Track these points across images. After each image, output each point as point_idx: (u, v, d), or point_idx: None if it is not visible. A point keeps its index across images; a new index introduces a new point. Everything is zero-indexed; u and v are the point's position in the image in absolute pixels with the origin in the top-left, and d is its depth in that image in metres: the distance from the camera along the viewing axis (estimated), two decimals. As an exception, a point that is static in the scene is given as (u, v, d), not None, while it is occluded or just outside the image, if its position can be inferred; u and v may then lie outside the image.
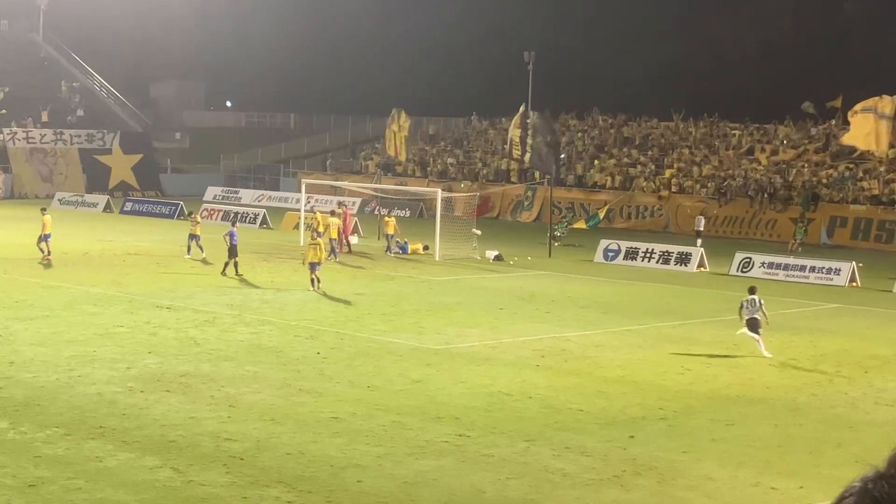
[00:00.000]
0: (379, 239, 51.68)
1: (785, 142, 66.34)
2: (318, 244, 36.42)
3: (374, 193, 63.91)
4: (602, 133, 74.35)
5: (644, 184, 65.44)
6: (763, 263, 44.02)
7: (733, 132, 69.45)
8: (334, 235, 45.13)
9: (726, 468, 17.78)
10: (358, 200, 68.33)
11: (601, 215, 59.49)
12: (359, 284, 38.30)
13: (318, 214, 47.95)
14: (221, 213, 62.22)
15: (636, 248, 47.24)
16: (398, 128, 60.20)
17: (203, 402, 20.86)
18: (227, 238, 39.35)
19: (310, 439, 18.60)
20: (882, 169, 59.51)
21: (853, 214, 56.98)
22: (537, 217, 65.05)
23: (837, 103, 65.09)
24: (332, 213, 47.95)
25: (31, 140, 78.05)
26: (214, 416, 19.92)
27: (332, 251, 44.51)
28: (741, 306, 27.70)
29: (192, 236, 43.24)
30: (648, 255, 46.54)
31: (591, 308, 34.41)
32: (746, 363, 26.43)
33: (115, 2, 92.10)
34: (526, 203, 67.78)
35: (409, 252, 47.42)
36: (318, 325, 29.75)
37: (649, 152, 69.72)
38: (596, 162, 70.03)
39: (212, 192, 75.47)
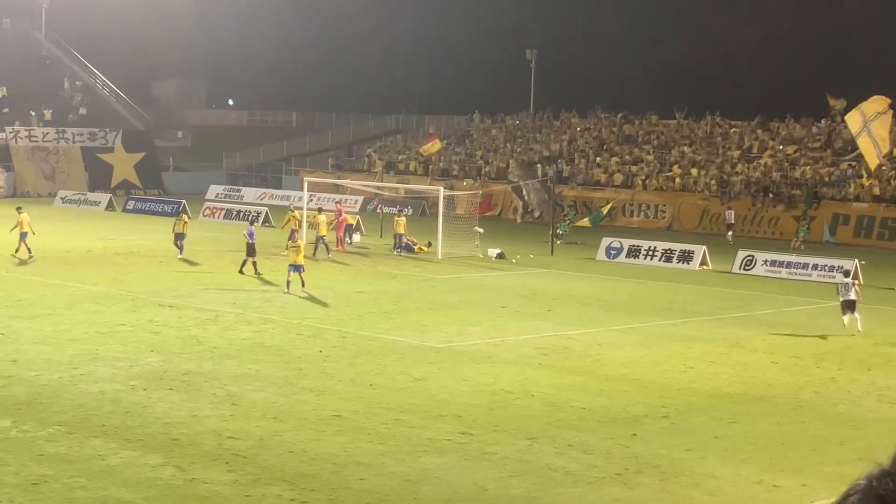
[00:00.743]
0: (381, 237, 51.69)
1: (787, 139, 66.28)
2: (299, 246, 35.26)
3: (377, 192, 63.89)
4: (604, 131, 74.32)
5: (647, 182, 65.38)
6: (766, 261, 43.99)
7: (735, 130, 69.42)
8: (324, 232, 45.08)
9: (728, 466, 17.77)
10: (360, 199, 68.36)
11: (604, 212, 59.44)
12: (361, 282, 38.30)
13: (297, 213, 47.72)
14: (224, 212, 62.21)
15: (638, 246, 47.21)
16: None
17: (205, 401, 20.87)
18: (246, 236, 39.44)
19: (312, 437, 18.60)
20: (884, 167, 59.46)
21: (855, 212, 56.94)
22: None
23: (840, 104, 65.05)
24: (320, 211, 47.92)
25: (33, 138, 78.07)
26: (217, 414, 19.93)
27: (326, 247, 44.45)
28: (836, 290, 30.62)
29: (180, 235, 43.09)
30: (651, 252, 46.52)
31: (593, 306, 34.40)
32: (749, 361, 26.42)
33: (116, 0, 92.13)
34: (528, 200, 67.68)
35: (416, 251, 47.33)
36: (321, 323, 29.75)
37: (651, 150, 69.68)
38: (598, 160, 70.00)
39: (214, 190, 75.49)
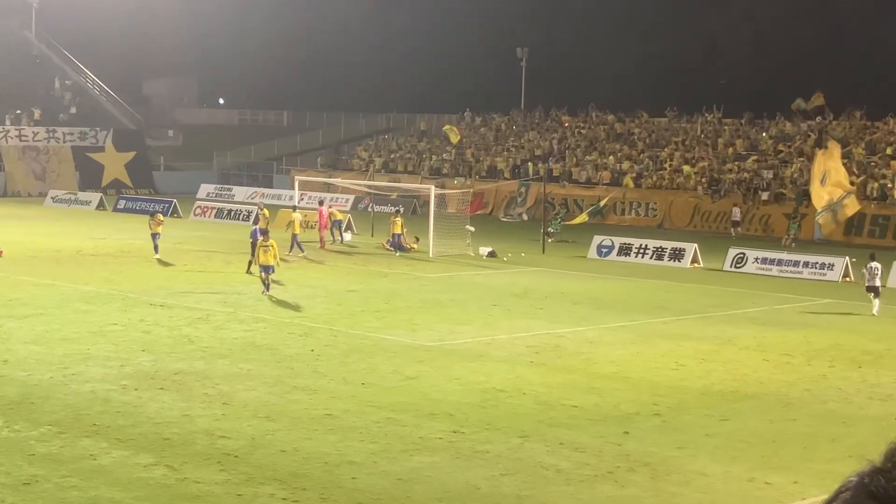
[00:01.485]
0: (373, 236, 51.67)
1: (778, 137, 66.37)
2: (271, 246, 34.14)
3: (368, 190, 63.92)
4: (595, 129, 74.38)
5: (638, 180, 65.47)
6: (757, 259, 44.07)
7: (725, 127, 69.52)
8: (297, 230, 45.06)
9: (720, 463, 17.80)
10: (352, 197, 68.36)
11: (601, 204, 59.43)
12: (352, 281, 38.29)
13: (267, 210, 47.45)
14: (215, 211, 62.17)
15: (630, 244, 47.27)
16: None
17: (197, 400, 20.86)
18: (252, 236, 39.42)
19: (304, 436, 18.60)
20: (872, 164, 59.61)
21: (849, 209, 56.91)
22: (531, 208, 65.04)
23: (816, 101, 65.28)
24: (294, 209, 47.88)
25: (23, 138, 77.95)
26: (208, 413, 19.92)
27: (298, 246, 44.35)
28: (862, 274, 33.49)
29: (155, 235, 42.90)
30: (642, 251, 46.57)
31: (584, 304, 34.43)
32: (740, 358, 26.46)
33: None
34: (519, 199, 67.80)
35: (408, 250, 47.27)
36: (312, 322, 29.75)
37: (642, 148, 69.74)
38: (589, 158, 70.05)
39: (205, 189, 75.44)
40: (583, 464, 17.59)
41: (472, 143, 77.95)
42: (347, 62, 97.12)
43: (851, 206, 47.18)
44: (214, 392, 21.51)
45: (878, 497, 1.50)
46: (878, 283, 33.91)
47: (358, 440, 18.45)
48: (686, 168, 65.23)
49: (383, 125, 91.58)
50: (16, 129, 77.97)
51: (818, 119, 66.25)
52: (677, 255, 45.65)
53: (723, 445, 18.91)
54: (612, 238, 48.33)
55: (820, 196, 46.34)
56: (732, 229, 58.57)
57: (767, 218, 59.41)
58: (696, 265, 44.91)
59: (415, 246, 47.40)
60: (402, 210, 52.74)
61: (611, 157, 69.30)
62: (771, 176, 61.85)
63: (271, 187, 77.60)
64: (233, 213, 60.45)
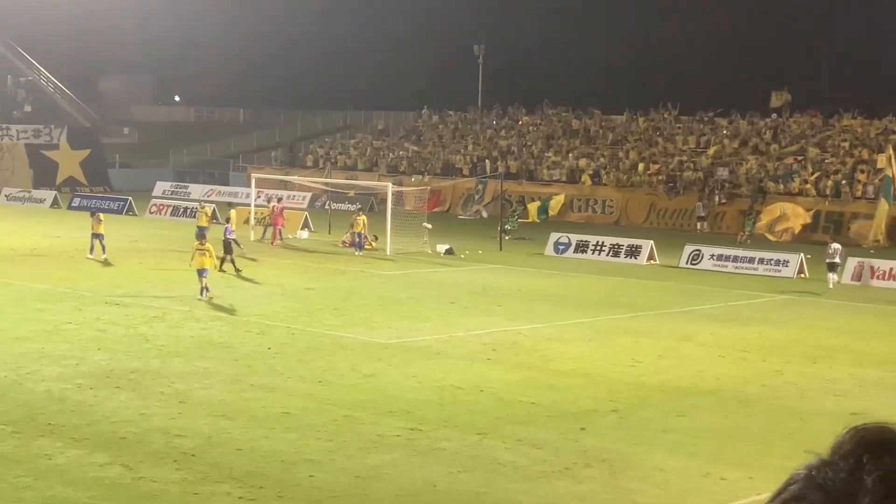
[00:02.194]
0: (330, 233, 51.54)
1: (733, 135, 66.79)
2: (208, 249, 33.15)
3: (325, 188, 63.77)
4: (552, 126, 74.55)
5: (595, 177, 65.70)
6: (712, 255, 44.33)
7: (681, 125, 69.85)
8: (234, 227, 44.89)
9: (677, 459, 17.89)
10: (308, 195, 68.16)
11: (551, 206, 59.69)
12: (310, 279, 38.19)
13: (208, 208, 46.89)
14: (170, 209, 61.83)
15: (586, 241, 47.42)
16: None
17: (153, 399, 20.73)
18: (224, 234, 39.29)
19: (261, 435, 18.53)
20: (828, 162, 60.12)
21: (802, 206, 57.37)
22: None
23: (784, 97, 65.80)
24: (231, 205, 47.71)
25: (-24, 136, 77.15)
26: (165, 412, 19.80)
27: (236, 243, 44.12)
28: (826, 253, 38.89)
29: (95, 235, 42.32)
30: (599, 248, 46.74)
31: (542, 301, 34.50)
32: (696, 355, 26.61)
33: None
34: (477, 197, 67.86)
35: (367, 247, 47.11)
36: (269, 320, 29.64)
37: (600, 146, 69.99)
38: (546, 156, 70.21)
39: (161, 187, 74.95)
40: (540, 460, 17.63)
41: (431, 141, 77.95)
42: (304, 59, 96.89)
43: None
44: (170, 391, 21.39)
45: (825, 489, 1.51)
46: (837, 260, 39.25)
47: (315, 438, 18.40)
48: (641, 165, 65.51)
49: (340, 122, 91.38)
50: (-31, 127, 77.16)
51: (773, 117, 66.71)
52: (634, 252, 45.85)
53: (679, 441, 19.01)
54: (569, 235, 48.47)
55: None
56: (698, 223, 59.08)
57: (723, 215, 59.76)
58: (652, 262, 45.12)
59: (374, 244, 47.25)
60: (357, 206, 52.62)
61: (568, 155, 69.48)
62: (727, 173, 62.23)
63: (228, 185, 77.21)
64: (189, 210, 60.12)
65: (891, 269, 40.76)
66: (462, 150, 74.69)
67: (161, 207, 62.32)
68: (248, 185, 59.07)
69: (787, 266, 42.54)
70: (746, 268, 43.09)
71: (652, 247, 45.71)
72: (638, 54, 71.40)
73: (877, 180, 56.17)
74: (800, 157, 62.01)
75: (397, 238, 47.09)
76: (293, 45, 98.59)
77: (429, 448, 18.13)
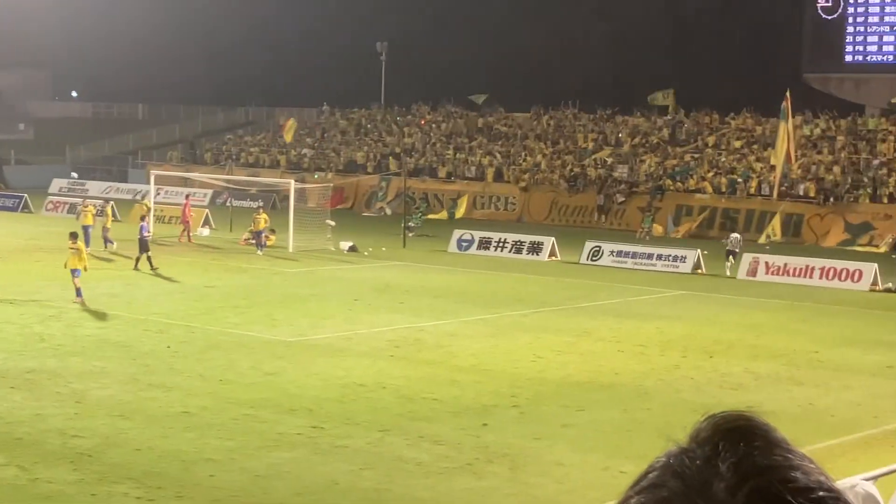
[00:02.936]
0: (231, 231, 51.12)
1: (633, 132, 67.57)
2: (79, 249, 31.84)
3: (226, 185, 63.25)
4: (455, 124, 74.76)
5: (497, 174, 66.03)
6: (612, 252, 44.82)
7: (582, 123, 70.47)
8: (109, 225, 44.55)
9: (577, 453, 18.07)
10: (210, 192, 67.53)
11: (460, 205, 60.05)
12: (210, 277, 37.86)
13: (93, 207, 46.12)
14: (67, 206, 60.85)
15: (489, 237, 47.66)
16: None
17: (49, 399, 20.41)
18: (139, 232, 38.92)
19: (160, 434, 18.34)
20: (724, 159, 61.11)
21: (698, 203, 58.35)
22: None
23: (668, 99, 66.78)
24: (106, 202, 47.48)
25: None
26: (61, 412, 19.50)
27: (109, 241, 43.74)
28: (728, 242, 42.76)
29: (85, 228, 42.04)
30: (501, 244, 47.00)
31: (445, 298, 34.60)
32: (596, 350, 26.89)
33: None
34: (380, 194, 67.81)
35: (267, 244, 46.70)
36: (168, 318, 29.33)
37: (502, 142, 70.34)
38: (448, 153, 70.39)
39: (57, 184, 73.68)
40: (442, 456, 17.69)
41: (333, 138, 77.70)
42: (204, 55, 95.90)
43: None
44: (67, 391, 21.07)
45: (682, 476, 1.55)
46: (737, 249, 42.53)
47: (215, 437, 18.26)
48: (542, 163, 65.97)
49: (242, 119, 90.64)
50: None
51: (671, 115, 67.60)
52: (536, 248, 46.19)
53: (579, 435, 19.20)
54: (472, 232, 48.69)
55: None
56: (598, 215, 60.24)
57: (623, 212, 60.46)
58: (553, 258, 45.49)
59: (272, 237, 46.50)
60: (259, 203, 52.26)
61: (471, 152, 69.73)
62: (626, 171, 62.94)
63: (126, 182, 76.15)
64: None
65: (785, 265, 41.57)
66: (365, 148, 74.57)
67: (57, 205, 61.31)
68: (148, 182, 58.32)
69: (684, 262, 43.17)
70: (645, 264, 43.65)
71: (553, 243, 46.08)
72: (541, 52, 71.81)
73: (771, 177, 57.24)
74: (696, 155, 62.96)
75: (300, 235, 46.88)
76: (194, 39, 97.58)
77: (330, 446, 18.09)
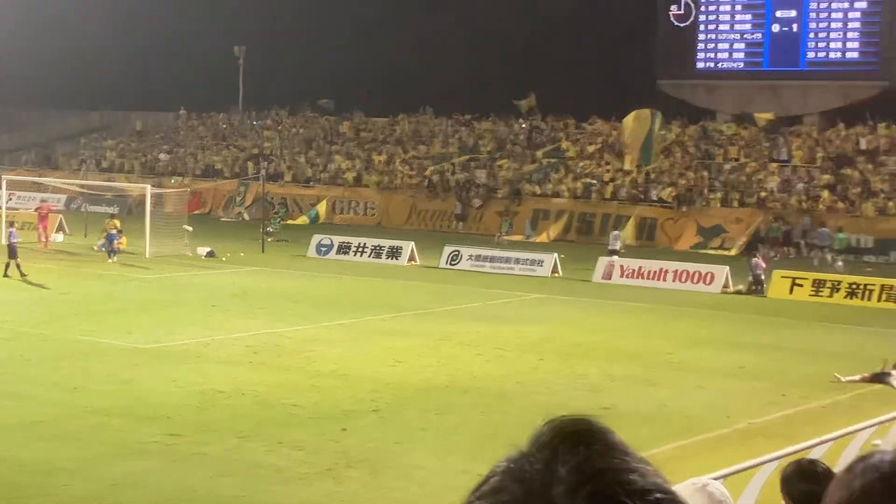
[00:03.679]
0: (86, 237, 50.13)
1: (491, 137, 68.13)
2: None
3: (81, 190, 61.96)
4: (313, 128, 74.49)
5: (357, 178, 66.01)
6: (471, 256, 45.17)
7: (440, 127, 70.81)
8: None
9: (436, 457, 18.18)
10: (63, 197, 66.10)
11: (320, 210, 59.88)
12: (64, 284, 37.08)
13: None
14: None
15: (349, 242, 47.63)
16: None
17: None
18: (8, 237, 37.99)
19: (11, 445, 17.93)
20: (581, 165, 62.05)
21: (555, 208, 59.14)
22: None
23: (530, 103, 67.60)
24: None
25: None
26: None
27: None
28: (608, 240, 44.67)
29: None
30: (361, 249, 47.00)
31: (304, 303, 34.47)
32: (455, 353, 27.07)
33: None
34: (238, 199, 67.19)
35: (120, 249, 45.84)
36: (20, 326, 28.65)
37: (361, 147, 70.30)
38: (308, 158, 70.11)
39: None
40: (301, 462, 17.64)
41: (191, 143, 76.74)
42: (58, 57, 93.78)
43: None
44: (-86, 402, 20.44)
45: (523, 480, 1.59)
46: (617, 247, 44.46)
47: (70, 447, 17.92)
48: (401, 167, 66.15)
49: (97, 123, 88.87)
50: None
51: (529, 120, 68.33)
52: (395, 253, 46.30)
53: (439, 439, 19.32)
54: (331, 237, 48.60)
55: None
56: (456, 223, 60.48)
57: (481, 216, 60.93)
58: (413, 263, 45.65)
59: (123, 240, 45.25)
60: (114, 209, 51.30)
61: (330, 157, 69.58)
62: (485, 175, 63.48)
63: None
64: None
65: (640, 268, 42.40)
66: (223, 152, 73.84)
67: None
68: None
69: (541, 266, 43.72)
70: (503, 268, 44.08)
71: (413, 248, 46.25)
72: (400, 57, 71.91)
73: (627, 181, 58.32)
74: (553, 160, 63.81)
75: (157, 241, 46.18)
76: (47, 41, 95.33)
77: (188, 453, 17.90)
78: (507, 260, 44.72)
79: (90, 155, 77.30)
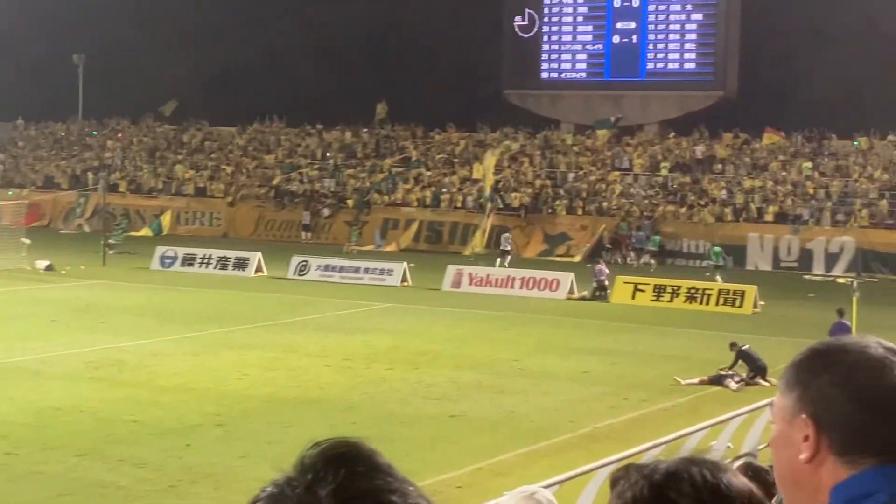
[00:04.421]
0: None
1: (339, 146, 67.96)
2: None
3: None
4: (156, 139, 73.30)
5: (204, 189, 65.18)
6: (319, 266, 44.95)
7: (288, 137, 70.36)
8: None
9: (283, 471, 17.95)
10: None
11: (163, 222, 58.96)
12: None
13: None
14: None
15: (193, 254, 46.95)
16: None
17: None
18: None
19: None
20: (428, 174, 62.33)
21: (405, 217, 59.25)
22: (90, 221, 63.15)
23: (382, 113, 67.78)
24: None
25: None
26: None
27: None
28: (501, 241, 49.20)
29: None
30: (206, 261, 46.36)
31: (147, 316, 33.84)
32: (303, 365, 26.88)
33: None
34: (79, 210, 65.71)
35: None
36: None
37: (207, 158, 69.45)
38: (150, 167, 68.94)
39: None
40: (144, 479, 17.30)
41: (29, 153, 74.80)
42: None
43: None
44: None
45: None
46: (508, 247, 48.38)
47: None
48: (247, 177, 65.55)
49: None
50: None
51: (377, 129, 68.36)
52: (241, 264, 45.78)
53: (286, 452, 19.02)
54: (176, 248, 47.85)
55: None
56: (304, 233, 60.04)
57: (329, 226, 60.72)
58: (260, 274, 45.21)
59: None
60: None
61: (174, 167, 68.55)
62: (333, 185, 63.29)
63: None
64: None
65: (488, 276, 42.75)
66: (62, 163, 72.16)
67: None
68: None
69: (391, 275, 43.73)
70: (352, 277, 43.96)
71: (260, 259, 45.80)
72: (246, 65, 71.14)
73: (475, 190, 58.79)
74: (401, 169, 63.95)
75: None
76: None
77: (26, 472, 17.40)
78: (357, 270, 44.62)
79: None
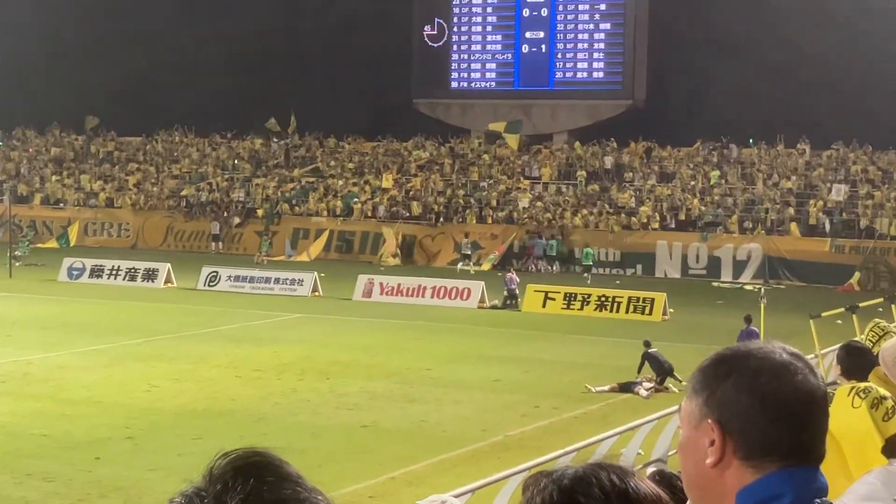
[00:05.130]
0: None
1: (249, 156, 67.60)
2: None
3: None
4: (64, 149, 72.28)
5: (110, 199, 64.43)
6: (230, 277, 44.67)
7: (196, 146, 69.81)
8: None
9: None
10: None
11: (71, 233, 58.18)
12: None
13: None
14: None
15: (101, 265, 46.40)
16: None
17: None
18: None
19: None
20: (339, 183, 62.25)
21: (315, 226, 59.07)
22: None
23: (289, 123, 67.53)
24: None
25: None
26: None
27: None
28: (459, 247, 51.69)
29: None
30: (115, 272, 45.84)
31: (55, 329, 33.37)
32: (212, 376, 26.70)
33: None
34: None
35: None
36: None
37: (115, 168, 68.65)
38: (56, 178, 67.96)
39: None
40: (52, 493, 17.09)
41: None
42: None
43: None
44: None
45: None
46: (469, 252, 51.65)
47: None
48: (156, 187, 64.93)
49: None
50: None
51: (287, 139, 68.09)
52: (151, 275, 45.33)
53: (196, 464, 18.54)
54: (84, 260, 47.24)
55: None
56: (213, 244, 59.57)
57: (240, 236, 60.35)
58: (169, 285, 44.79)
59: None
60: None
61: (81, 178, 67.66)
62: (243, 194, 62.92)
63: None
64: None
65: (399, 285, 42.77)
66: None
67: None
68: None
69: (302, 285, 43.60)
70: (263, 288, 43.76)
71: (169, 270, 45.37)
72: (154, 74, 70.45)
73: (386, 199, 58.81)
74: (312, 179, 63.78)
75: None
76: None
77: (-71, 490, 17.07)
78: (267, 280, 44.41)
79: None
